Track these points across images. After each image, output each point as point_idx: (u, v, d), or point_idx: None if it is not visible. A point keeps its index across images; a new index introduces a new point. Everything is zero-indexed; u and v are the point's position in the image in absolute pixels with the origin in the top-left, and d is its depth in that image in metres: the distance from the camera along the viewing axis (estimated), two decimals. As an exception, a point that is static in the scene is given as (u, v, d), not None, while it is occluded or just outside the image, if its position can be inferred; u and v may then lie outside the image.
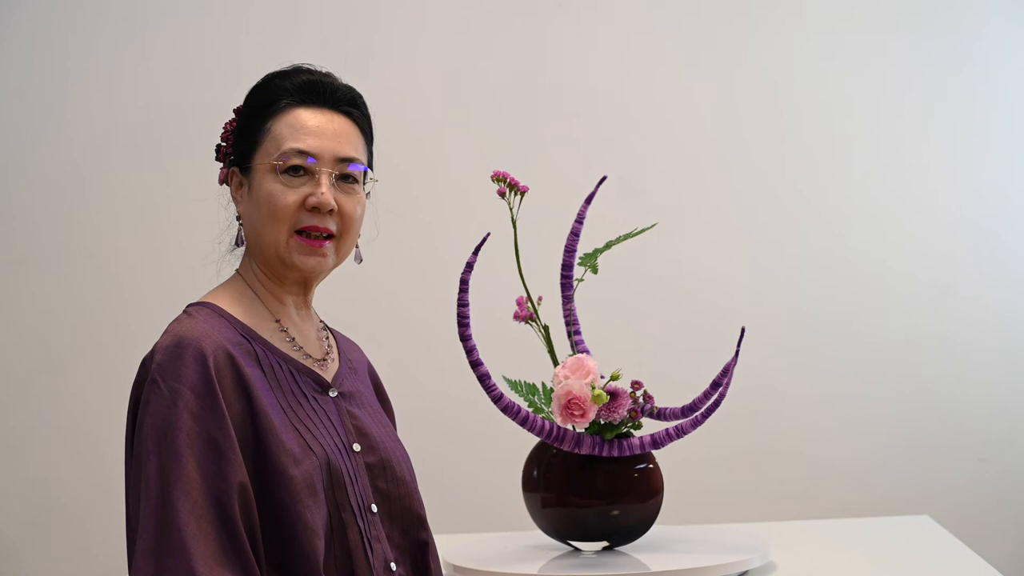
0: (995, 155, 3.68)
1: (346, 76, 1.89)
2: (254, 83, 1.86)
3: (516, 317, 2.22)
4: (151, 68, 3.60)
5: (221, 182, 1.86)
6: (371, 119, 1.88)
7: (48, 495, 3.56)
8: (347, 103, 1.84)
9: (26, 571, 3.55)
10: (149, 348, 1.71)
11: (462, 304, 2.09)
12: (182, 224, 3.51)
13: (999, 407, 3.63)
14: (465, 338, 2.09)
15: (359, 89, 1.88)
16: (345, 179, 1.81)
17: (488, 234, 2.06)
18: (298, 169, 1.78)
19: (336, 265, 1.84)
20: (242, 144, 1.82)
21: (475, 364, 2.10)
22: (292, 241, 1.78)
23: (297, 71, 1.84)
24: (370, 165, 1.87)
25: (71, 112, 3.59)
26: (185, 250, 3.42)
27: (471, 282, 2.10)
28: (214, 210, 1.89)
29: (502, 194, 2.15)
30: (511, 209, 2.15)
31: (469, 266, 2.08)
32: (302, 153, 1.78)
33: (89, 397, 3.54)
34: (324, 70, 1.85)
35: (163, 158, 3.58)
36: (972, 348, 3.64)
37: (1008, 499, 3.62)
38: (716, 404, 2.15)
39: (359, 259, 1.88)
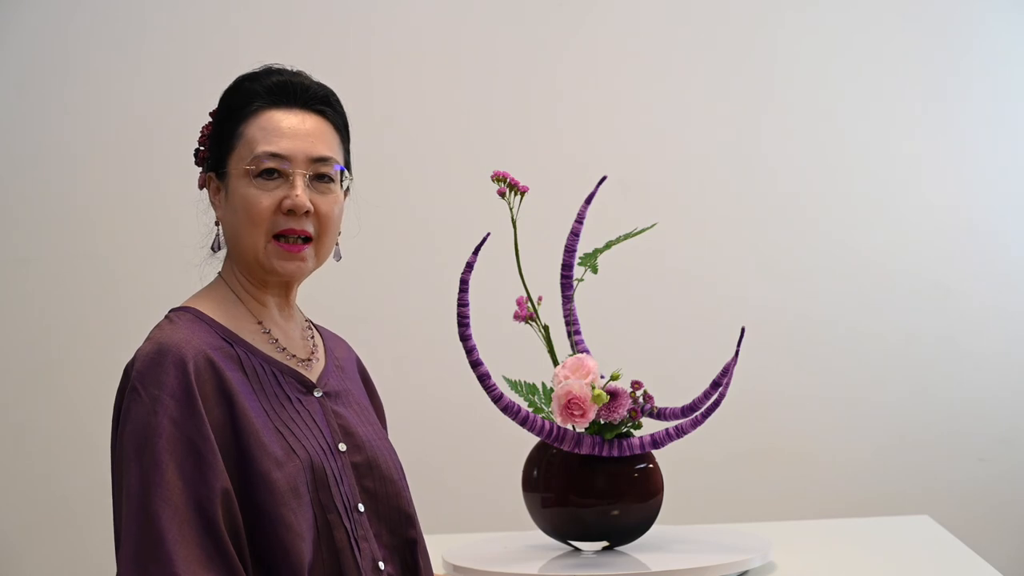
0: (995, 154, 3.67)
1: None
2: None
3: (516, 317, 2.22)
4: (151, 68, 3.60)
5: (200, 187, 1.85)
6: (346, 116, 1.86)
7: (48, 495, 3.55)
8: (319, 102, 1.81)
9: (26, 571, 3.55)
10: (146, 349, 1.71)
11: (462, 304, 2.09)
12: (182, 224, 3.49)
13: (999, 407, 3.63)
14: (465, 338, 2.10)
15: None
16: (320, 179, 1.79)
17: (488, 234, 2.06)
18: (272, 172, 1.76)
19: (317, 267, 1.83)
20: (217, 149, 1.81)
21: (475, 364, 2.10)
22: (270, 247, 1.77)
23: (268, 72, 1.82)
24: (347, 163, 1.85)
25: (71, 112, 3.59)
26: (185, 250, 3.42)
27: (471, 282, 2.10)
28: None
29: (502, 194, 2.15)
30: (511, 209, 2.15)
31: (469, 266, 2.08)
32: (275, 156, 1.76)
33: (89, 397, 3.53)
34: (295, 69, 1.83)
35: (163, 158, 3.57)
36: (972, 348, 3.64)
37: (1008, 499, 3.62)
38: (716, 404, 2.16)
39: (338, 256, 1.86)
